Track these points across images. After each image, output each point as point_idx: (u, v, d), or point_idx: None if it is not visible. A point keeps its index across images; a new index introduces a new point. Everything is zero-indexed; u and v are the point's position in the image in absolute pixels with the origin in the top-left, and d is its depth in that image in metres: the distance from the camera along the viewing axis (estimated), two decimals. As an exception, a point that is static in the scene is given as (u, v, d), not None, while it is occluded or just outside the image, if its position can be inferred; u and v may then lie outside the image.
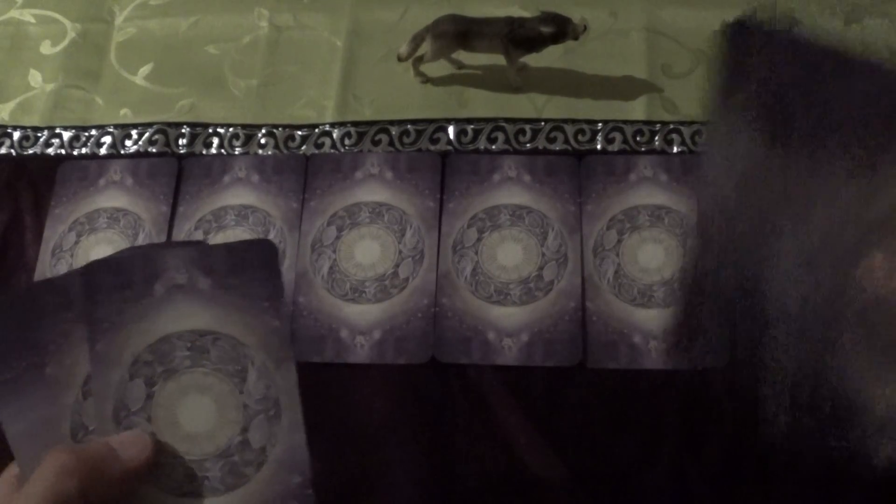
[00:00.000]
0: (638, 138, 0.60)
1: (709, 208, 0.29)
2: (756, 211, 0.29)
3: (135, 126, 0.64)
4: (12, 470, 0.32)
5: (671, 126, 0.60)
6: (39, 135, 0.65)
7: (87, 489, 0.30)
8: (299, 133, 0.63)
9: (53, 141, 0.64)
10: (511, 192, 0.59)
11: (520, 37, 0.60)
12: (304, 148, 0.62)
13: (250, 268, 0.32)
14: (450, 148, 0.61)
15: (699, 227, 0.30)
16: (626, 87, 0.62)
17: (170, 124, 0.64)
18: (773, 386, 0.28)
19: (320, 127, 0.63)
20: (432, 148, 0.61)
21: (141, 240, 0.59)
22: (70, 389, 0.32)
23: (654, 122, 0.61)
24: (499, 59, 0.62)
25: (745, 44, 0.30)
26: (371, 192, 0.59)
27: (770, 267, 0.28)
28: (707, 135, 0.30)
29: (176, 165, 0.62)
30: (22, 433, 0.32)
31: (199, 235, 0.59)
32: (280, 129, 0.63)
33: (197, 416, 0.32)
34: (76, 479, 0.30)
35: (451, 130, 0.62)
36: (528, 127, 0.61)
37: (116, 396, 0.32)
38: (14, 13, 0.71)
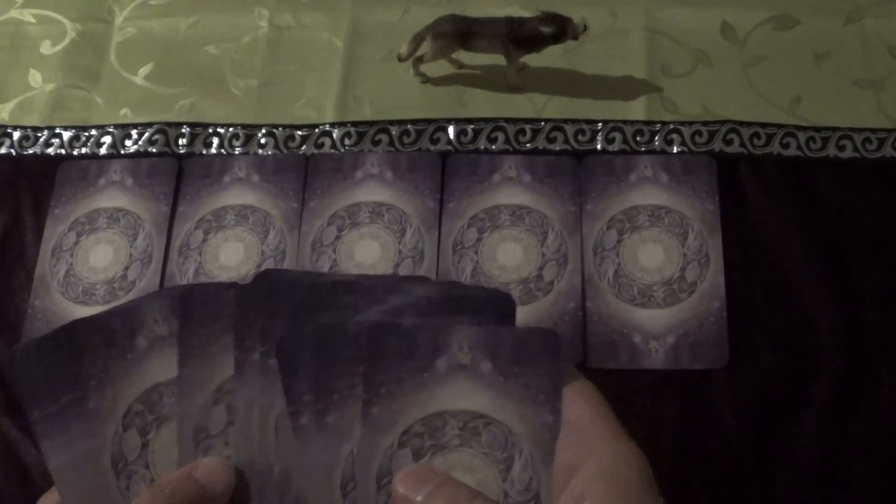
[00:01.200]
0: (638, 138, 0.60)
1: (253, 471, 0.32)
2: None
3: (135, 126, 0.64)
4: (52, 496, 0.33)
5: (671, 126, 0.60)
6: (39, 135, 0.65)
7: None
8: (299, 133, 0.63)
9: (53, 141, 0.64)
10: (511, 192, 0.59)
11: (520, 37, 0.60)
12: (304, 148, 0.62)
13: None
14: (450, 148, 0.61)
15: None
16: (626, 87, 0.62)
17: (170, 124, 0.64)
18: None
19: (320, 127, 0.63)
20: (432, 148, 0.61)
21: (141, 240, 0.59)
22: (111, 422, 0.33)
23: (654, 122, 0.61)
24: (499, 59, 0.62)
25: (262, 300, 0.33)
26: (371, 192, 0.59)
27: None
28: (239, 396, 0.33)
29: (176, 165, 0.62)
30: (64, 465, 0.32)
31: (199, 235, 0.59)
32: (280, 129, 0.63)
33: None
34: None
35: (451, 130, 0.62)
36: (528, 127, 0.61)
37: (198, 420, 0.33)
38: (14, 13, 0.71)
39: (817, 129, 0.60)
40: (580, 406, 0.31)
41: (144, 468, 0.33)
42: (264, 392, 0.32)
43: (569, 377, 0.31)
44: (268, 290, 0.33)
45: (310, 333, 0.32)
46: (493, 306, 0.34)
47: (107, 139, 0.64)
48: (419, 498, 0.30)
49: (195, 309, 0.33)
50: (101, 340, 0.33)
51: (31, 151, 0.64)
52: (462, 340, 0.32)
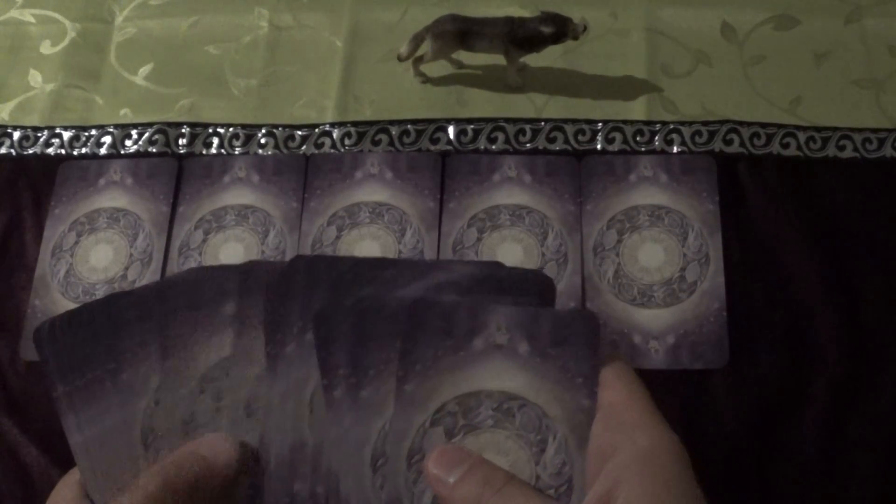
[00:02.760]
0: (638, 138, 0.60)
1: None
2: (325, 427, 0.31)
3: (135, 126, 0.64)
4: (74, 476, 0.32)
5: (671, 126, 0.60)
6: (39, 135, 0.65)
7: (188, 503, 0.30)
8: (299, 133, 0.63)
9: (53, 141, 0.64)
10: (511, 192, 0.59)
11: (520, 37, 0.60)
12: (304, 148, 0.62)
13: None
14: (450, 148, 0.61)
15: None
16: (626, 87, 0.62)
17: (170, 124, 0.64)
18: None
19: (320, 127, 0.63)
20: (432, 148, 0.61)
21: (141, 240, 0.59)
22: (143, 396, 0.33)
23: (654, 122, 0.61)
24: (499, 59, 0.62)
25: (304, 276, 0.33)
26: (371, 192, 0.59)
27: (347, 479, 0.31)
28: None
29: (176, 165, 0.62)
30: (90, 440, 0.32)
31: (199, 235, 0.59)
32: (280, 129, 0.63)
33: None
34: (178, 495, 0.29)
35: (451, 130, 0.62)
36: (528, 127, 0.61)
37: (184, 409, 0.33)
38: (14, 13, 0.71)
39: (817, 129, 0.60)
40: (617, 390, 0.30)
41: (175, 442, 0.32)
42: (300, 366, 0.32)
43: (606, 359, 0.31)
44: (307, 267, 0.33)
45: (348, 307, 0.31)
46: (534, 288, 0.34)
47: (107, 139, 0.64)
48: (452, 479, 0.29)
49: (178, 299, 0.33)
50: (138, 315, 0.33)
51: (31, 151, 0.64)
52: (500, 320, 0.31)
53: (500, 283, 0.33)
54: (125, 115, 0.65)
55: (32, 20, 0.71)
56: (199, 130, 0.63)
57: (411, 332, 0.31)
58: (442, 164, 0.60)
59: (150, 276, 0.58)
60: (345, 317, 0.31)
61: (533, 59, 0.63)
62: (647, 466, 0.28)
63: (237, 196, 0.60)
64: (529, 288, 0.34)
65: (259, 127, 0.63)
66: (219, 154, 0.62)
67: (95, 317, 0.33)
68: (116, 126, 0.65)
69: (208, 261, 0.58)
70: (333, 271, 0.33)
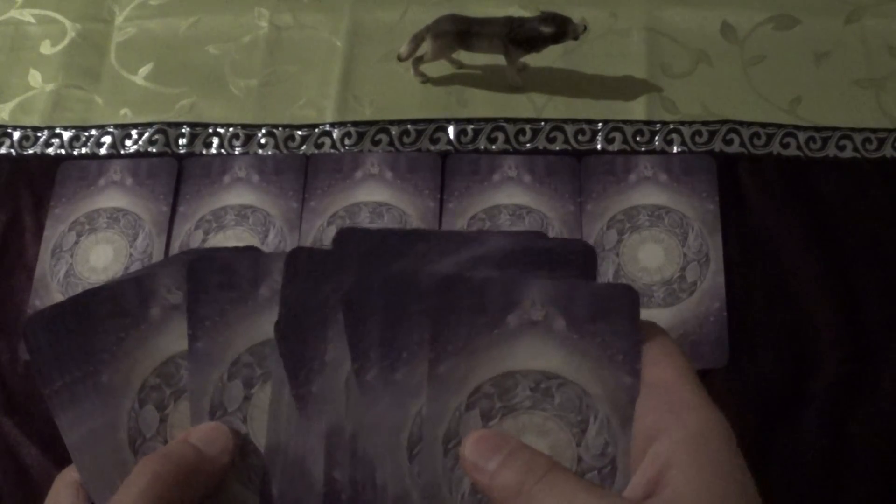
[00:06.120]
0: (638, 138, 0.60)
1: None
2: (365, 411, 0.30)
3: (135, 126, 0.64)
4: (72, 475, 0.32)
5: (671, 126, 0.60)
6: (39, 135, 0.65)
7: (182, 495, 0.29)
8: (299, 133, 0.63)
9: (53, 141, 0.64)
10: (511, 192, 0.59)
11: (520, 37, 0.60)
12: (304, 148, 0.62)
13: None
14: (450, 148, 0.61)
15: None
16: (626, 87, 0.62)
17: (170, 124, 0.64)
18: None
19: (320, 127, 0.63)
20: (432, 148, 0.61)
21: (141, 240, 0.59)
22: (126, 398, 0.32)
23: (654, 122, 0.61)
24: (499, 59, 0.62)
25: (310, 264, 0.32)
26: (371, 192, 0.59)
27: (383, 466, 0.29)
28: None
29: (176, 165, 0.62)
30: (80, 442, 0.31)
31: (199, 235, 0.59)
32: (280, 129, 0.63)
33: None
34: (170, 487, 0.29)
35: (451, 130, 0.62)
36: (528, 127, 0.61)
37: (214, 396, 0.31)
38: (14, 13, 0.71)
39: (817, 129, 0.60)
40: (664, 367, 0.28)
41: (163, 444, 0.31)
42: (335, 348, 0.30)
43: (650, 335, 0.29)
44: (338, 241, 0.32)
45: (378, 286, 0.30)
46: (573, 258, 0.32)
47: (107, 139, 0.64)
48: (491, 466, 0.27)
49: (206, 277, 0.32)
50: (113, 311, 0.32)
51: (31, 151, 0.64)
52: (535, 295, 0.30)
53: (538, 254, 0.32)
54: (125, 115, 0.65)
55: (32, 20, 0.71)
56: (199, 130, 0.63)
57: (442, 310, 0.30)
58: (442, 164, 0.60)
59: (150, 276, 0.58)
60: (375, 296, 0.30)
61: (533, 59, 0.63)
62: (699, 449, 0.26)
63: (237, 196, 0.60)
64: (569, 259, 0.32)
65: (259, 127, 0.63)
66: (219, 154, 0.62)
67: (72, 315, 0.32)
68: (116, 126, 0.65)
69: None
70: (363, 245, 0.32)
